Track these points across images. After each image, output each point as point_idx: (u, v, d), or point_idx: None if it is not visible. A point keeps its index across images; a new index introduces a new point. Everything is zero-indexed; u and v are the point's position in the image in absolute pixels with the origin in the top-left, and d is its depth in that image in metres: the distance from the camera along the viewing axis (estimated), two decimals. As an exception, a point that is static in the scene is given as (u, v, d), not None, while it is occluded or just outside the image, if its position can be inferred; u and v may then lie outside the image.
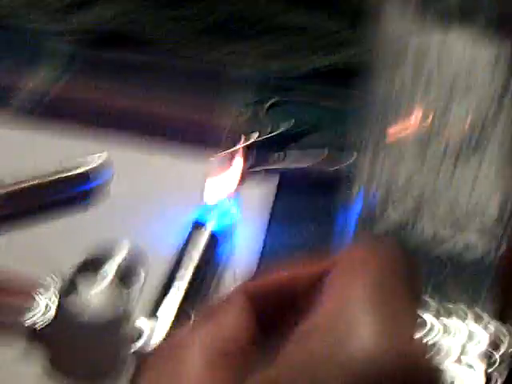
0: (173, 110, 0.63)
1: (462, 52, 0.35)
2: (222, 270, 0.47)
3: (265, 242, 0.50)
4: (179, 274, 0.43)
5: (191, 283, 0.43)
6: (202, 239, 0.46)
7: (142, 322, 0.39)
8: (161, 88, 0.66)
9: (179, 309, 0.41)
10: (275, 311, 0.24)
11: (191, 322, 0.25)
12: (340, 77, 0.68)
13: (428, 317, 0.40)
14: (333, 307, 0.20)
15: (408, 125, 0.39)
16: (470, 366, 0.39)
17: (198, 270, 0.44)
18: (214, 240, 0.47)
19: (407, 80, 0.38)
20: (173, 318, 0.40)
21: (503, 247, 0.39)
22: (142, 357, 0.38)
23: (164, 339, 0.30)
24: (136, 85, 0.66)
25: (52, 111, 0.62)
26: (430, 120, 0.38)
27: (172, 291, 0.42)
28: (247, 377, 0.22)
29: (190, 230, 0.47)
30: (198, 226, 0.47)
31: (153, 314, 0.40)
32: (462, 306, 0.40)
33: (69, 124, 0.59)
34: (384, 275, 0.21)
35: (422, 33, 0.36)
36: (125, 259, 0.42)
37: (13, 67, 0.66)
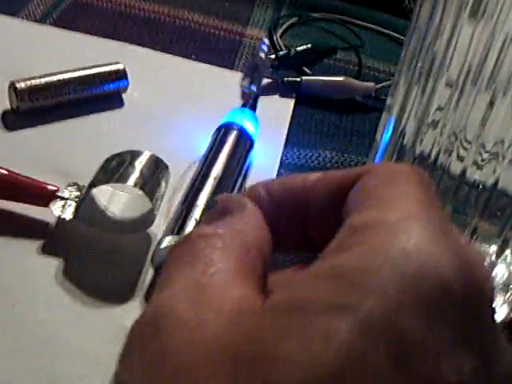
0: (201, 17, 0.62)
1: None
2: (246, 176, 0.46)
3: (281, 159, 0.49)
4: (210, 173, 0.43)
5: (220, 182, 0.42)
6: (230, 140, 0.45)
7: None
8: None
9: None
10: (290, 215, 0.22)
11: (207, 221, 0.22)
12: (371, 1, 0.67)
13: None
14: (381, 208, 0.18)
15: (446, 60, 0.37)
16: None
17: (227, 170, 0.43)
18: (240, 142, 0.46)
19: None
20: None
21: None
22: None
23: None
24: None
25: (72, 14, 0.60)
26: (468, 57, 0.36)
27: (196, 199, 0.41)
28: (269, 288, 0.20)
29: (215, 133, 0.47)
30: (224, 129, 0.47)
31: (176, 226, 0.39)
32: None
33: (89, 29, 0.58)
34: (429, 189, 0.19)
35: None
36: (146, 165, 0.40)
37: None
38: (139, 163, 0.40)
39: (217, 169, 0.42)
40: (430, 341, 0.16)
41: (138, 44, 0.57)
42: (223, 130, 0.46)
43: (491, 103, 0.36)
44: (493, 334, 0.17)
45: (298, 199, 0.22)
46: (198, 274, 0.18)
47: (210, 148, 0.44)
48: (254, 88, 0.50)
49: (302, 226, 0.23)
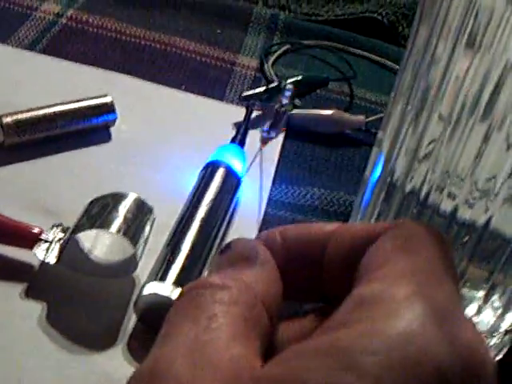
0: (193, 44, 0.62)
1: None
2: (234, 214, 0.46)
3: (269, 196, 0.49)
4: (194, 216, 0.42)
5: (204, 223, 0.42)
6: (216, 180, 0.45)
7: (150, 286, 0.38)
8: (185, 22, 0.64)
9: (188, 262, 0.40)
10: (301, 267, 0.22)
11: (217, 266, 0.22)
12: (364, 27, 0.67)
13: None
14: (391, 281, 0.18)
15: (441, 91, 0.37)
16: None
17: (212, 212, 0.43)
18: (227, 181, 0.45)
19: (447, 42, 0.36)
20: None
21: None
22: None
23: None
24: (157, 16, 0.65)
25: (63, 40, 0.60)
26: (463, 89, 0.36)
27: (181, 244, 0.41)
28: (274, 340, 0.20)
29: (202, 172, 0.46)
30: (210, 167, 0.46)
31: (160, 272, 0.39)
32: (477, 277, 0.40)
33: (80, 56, 0.58)
34: (445, 257, 0.19)
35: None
36: (130, 209, 0.40)
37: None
38: (123, 207, 0.40)
39: (202, 211, 0.42)
40: None
41: (128, 72, 0.57)
42: (210, 169, 0.45)
43: (486, 137, 0.35)
44: None
45: (313, 248, 0.22)
46: (199, 330, 0.18)
47: (196, 188, 0.44)
48: (272, 134, 0.50)
49: (314, 276, 0.22)
